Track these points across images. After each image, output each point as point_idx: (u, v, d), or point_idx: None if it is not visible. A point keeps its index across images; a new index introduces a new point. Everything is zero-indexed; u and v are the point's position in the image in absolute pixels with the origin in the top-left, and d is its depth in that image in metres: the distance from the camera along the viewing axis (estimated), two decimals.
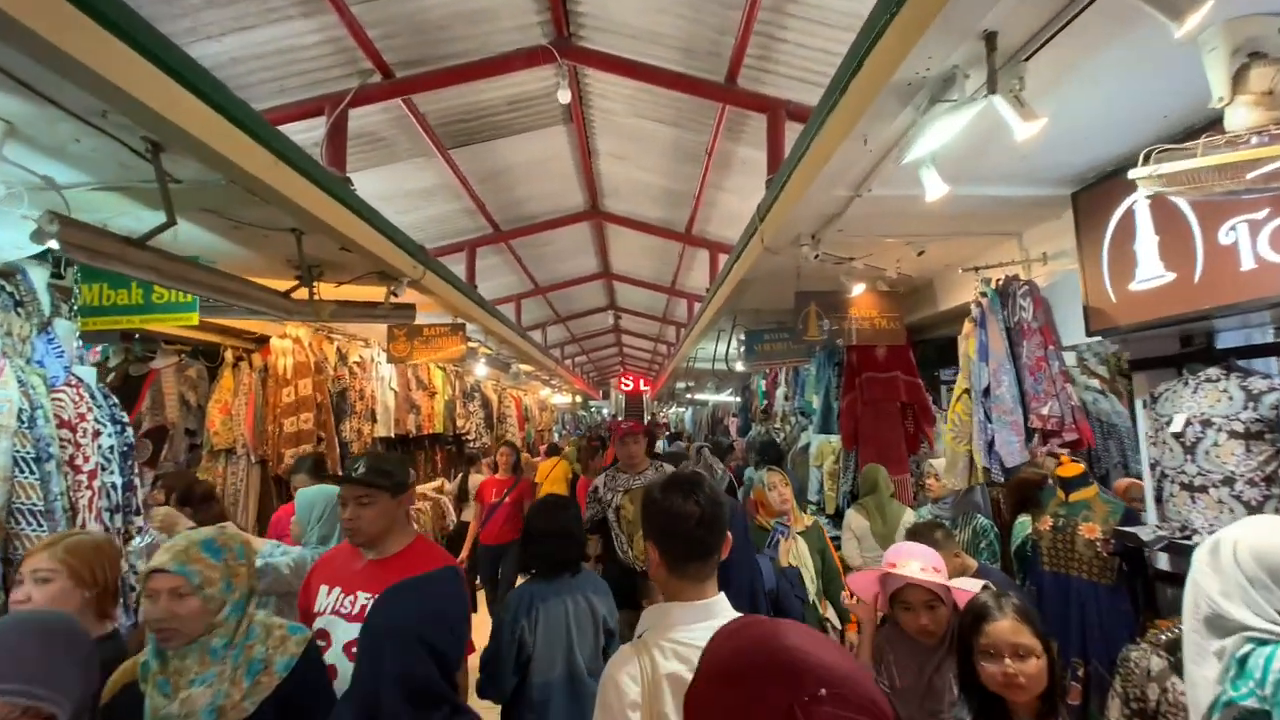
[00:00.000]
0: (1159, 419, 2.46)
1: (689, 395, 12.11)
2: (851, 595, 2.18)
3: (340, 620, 2.03)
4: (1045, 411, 2.93)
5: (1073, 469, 2.90)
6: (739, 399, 9.99)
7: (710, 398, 12.08)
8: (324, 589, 2.09)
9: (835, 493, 5.61)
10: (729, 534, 1.51)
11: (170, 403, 5.26)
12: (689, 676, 0.92)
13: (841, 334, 3.63)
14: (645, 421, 24.62)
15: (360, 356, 6.22)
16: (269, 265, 4.04)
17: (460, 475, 8.53)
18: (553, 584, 2.37)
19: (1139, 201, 2.30)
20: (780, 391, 7.60)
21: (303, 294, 4.08)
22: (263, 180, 2.63)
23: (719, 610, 1.43)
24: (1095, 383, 4.44)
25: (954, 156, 2.26)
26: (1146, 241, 2.27)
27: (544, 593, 2.33)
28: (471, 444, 9.29)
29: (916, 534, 3.05)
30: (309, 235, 3.49)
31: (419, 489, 7.96)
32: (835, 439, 5.71)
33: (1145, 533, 2.44)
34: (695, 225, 8.31)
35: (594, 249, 10.58)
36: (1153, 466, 2.53)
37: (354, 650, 1.93)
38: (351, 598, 2.05)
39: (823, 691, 0.70)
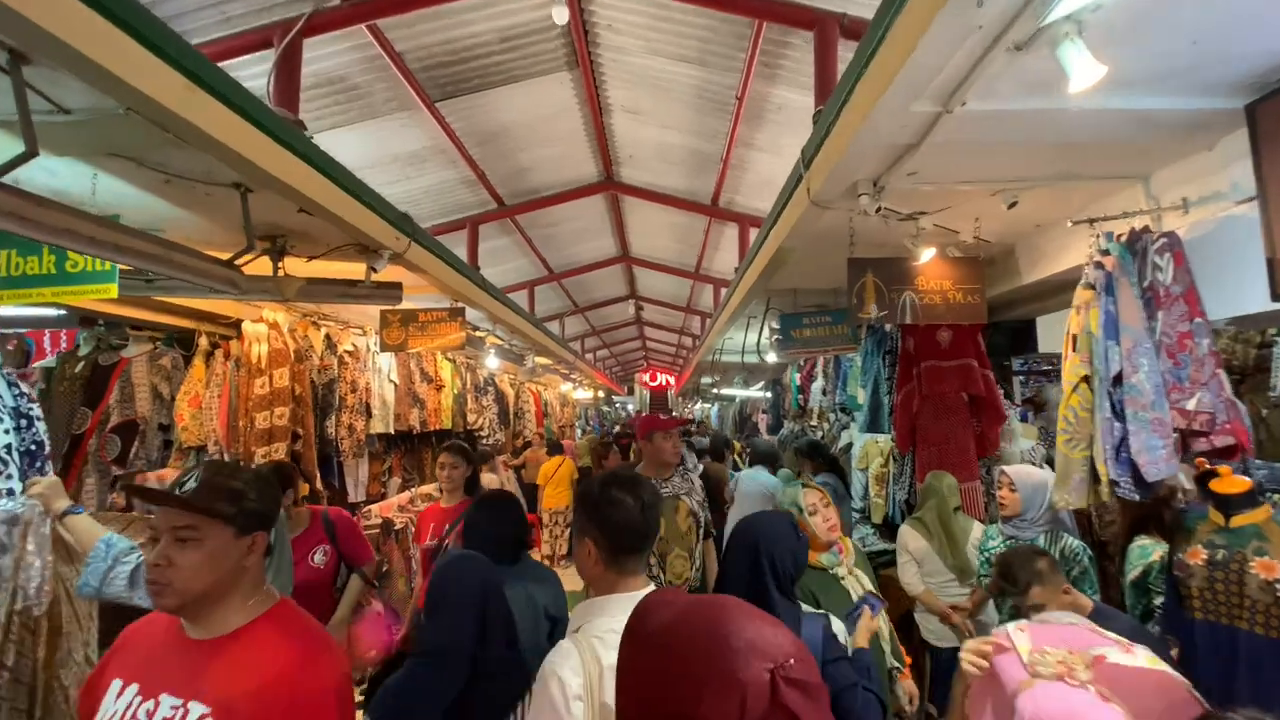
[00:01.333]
0: None
1: (715, 390, 11.40)
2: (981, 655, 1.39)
3: None
4: (1191, 406, 2.20)
5: (1236, 483, 2.16)
6: (769, 395, 9.27)
7: (738, 393, 11.35)
8: (115, 684, 1.27)
9: (884, 499, 4.90)
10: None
11: (141, 395, 4.77)
12: None
13: (906, 311, 2.91)
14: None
15: (354, 345, 5.65)
16: (229, 236, 3.47)
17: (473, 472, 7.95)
18: None
19: None
20: (817, 385, 6.87)
21: (264, 267, 3.51)
22: (173, 111, 2.03)
23: None
24: None
25: (1093, 40, 1.56)
26: None
27: None
28: (484, 440, 8.76)
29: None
30: (257, 194, 2.90)
31: (422, 489, 7.40)
32: (884, 439, 4.98)
33: None
34: (722, 195, 7.40)
35: (610, 227, 9.74)
36: None
37: None
38: (152, 704, 1.22)
39: (792, 661, 0.84)
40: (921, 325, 3.68)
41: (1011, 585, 2.27)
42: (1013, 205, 2.52)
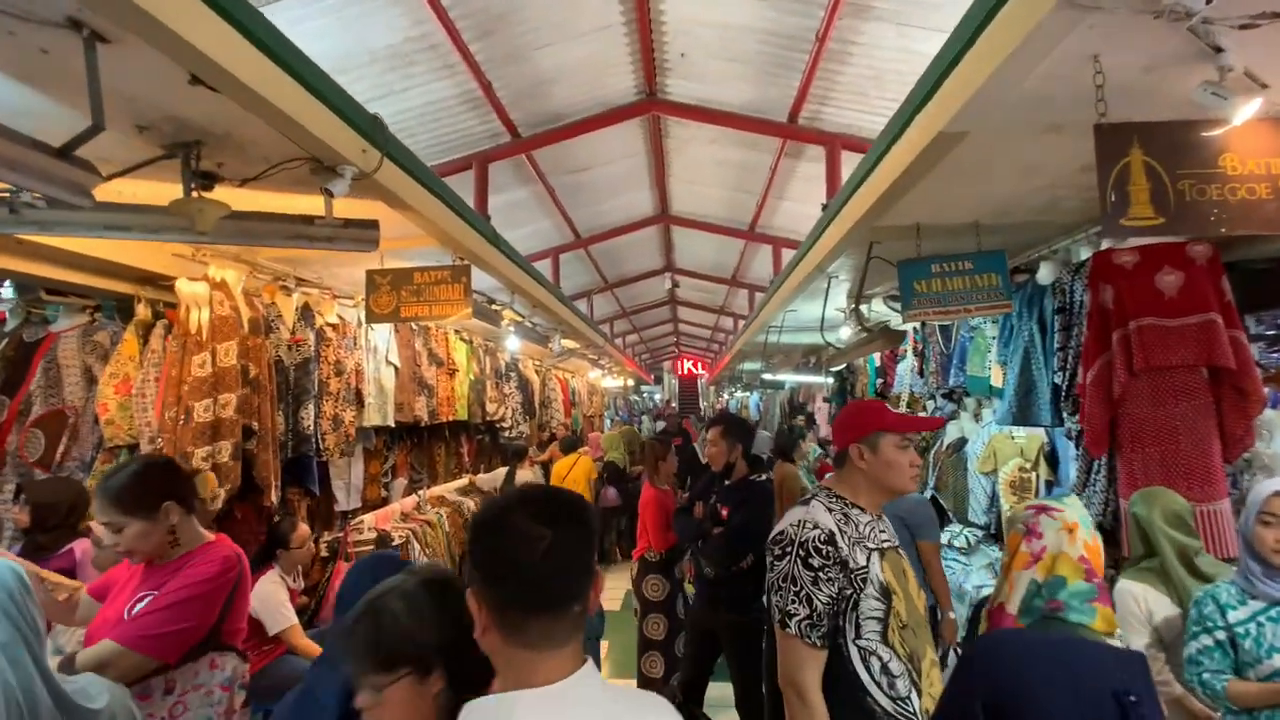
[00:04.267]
0: None
1: (763, 375, 10.17)
2: None
3: None
4: None
5: None
6: (830, 380, 8.02)
7: (790, 378, 10.10)
8: None
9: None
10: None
11: (71, 379, 3.77)
12: None
13: (1212, 213, 1.64)
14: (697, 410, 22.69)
15: (340, 317, 4.58)
16: (136, 145, 2.40)
17: (508, 472, 6.95)
18: None
19: None
20: (904, 365, 5.61)
21: (171, 193, 2.43)
22: None
23: (583, 695, 0.94)
24: None
25: None
26: None
27: None
28: (507, 433, 7.72)
29: None
30: (113, 45, 1.78)
31: (433, 492, 6.36)
32: (1024, 433, 3.76)
33: None
34: (806, 106, 5.54)
35: (649, 173, 8.16)
36: None
37: None
38: None
39: None
40: (1145, 267, 2.45)
41: None
42: None
